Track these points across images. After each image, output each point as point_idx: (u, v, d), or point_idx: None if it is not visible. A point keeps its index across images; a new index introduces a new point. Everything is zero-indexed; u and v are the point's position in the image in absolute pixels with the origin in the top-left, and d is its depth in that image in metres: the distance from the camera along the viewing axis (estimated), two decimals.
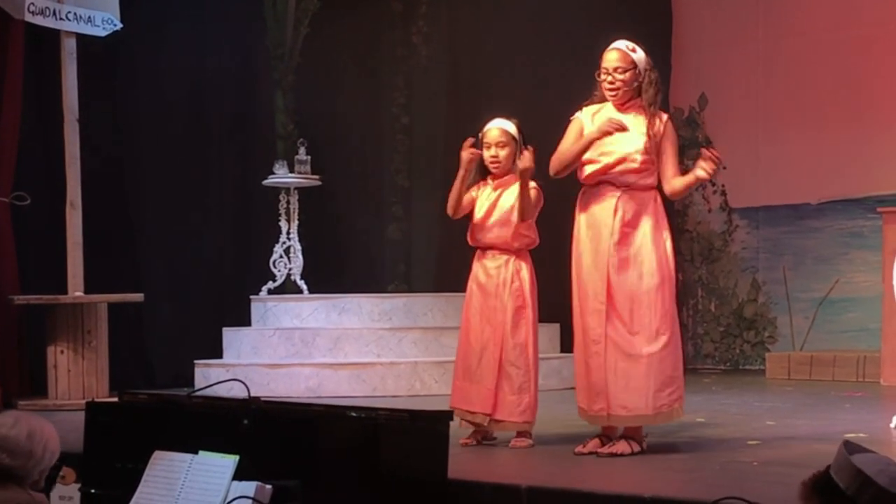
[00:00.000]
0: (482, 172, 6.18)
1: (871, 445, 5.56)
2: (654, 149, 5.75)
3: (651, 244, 5.68)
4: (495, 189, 6.13)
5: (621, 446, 5.62)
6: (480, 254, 6.17)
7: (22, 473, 3.92)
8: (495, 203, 6.10)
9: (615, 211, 5.70)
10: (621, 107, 5.80)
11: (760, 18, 11.40)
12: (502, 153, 6.08)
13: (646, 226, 5.71)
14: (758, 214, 11.44)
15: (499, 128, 6.12)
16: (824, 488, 2.91)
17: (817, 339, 11.00)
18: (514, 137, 6.11)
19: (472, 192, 6.18)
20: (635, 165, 5.72)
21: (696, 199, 11.73)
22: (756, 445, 5.94)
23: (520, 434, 6.05)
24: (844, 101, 10.83)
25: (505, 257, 6.09)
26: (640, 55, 5.81)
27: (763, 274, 11.43)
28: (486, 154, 6.10)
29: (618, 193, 5.73)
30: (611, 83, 5.79)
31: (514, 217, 6.02)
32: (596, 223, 5.74)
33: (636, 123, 5.77)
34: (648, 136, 5.73)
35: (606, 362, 5.63)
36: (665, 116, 5.83)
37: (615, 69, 5.77)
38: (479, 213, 6.13)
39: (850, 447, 2.94)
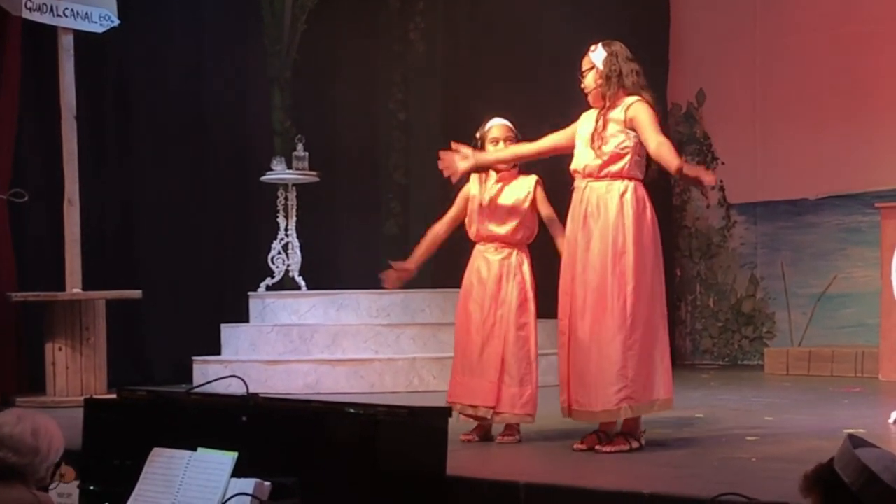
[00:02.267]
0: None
1: (869, 441, 5.56)
2: (602, 139, 5.69)
3: (611, 240, 5.62)
4: (497, 182, 6.18)
5: (619, 443, 5.62)
6: (482, 247, 6.18)
7: (28, 471, 3.91)
8: (498, 196, 6.15)
9: (581, 203, 5.74)
10: (604, 108, 5.75)
11: (758, 14, 11.40)
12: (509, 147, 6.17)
13: (608, 218, 5.64)
14: (756, 210, 11.44)
15: (504, 124, 6.21)
16: (827, 482, 2.90)
17: (815, 334, 11.00)
18: (516, 134, 6.19)
19: (470, 190, 6.22)
20: (594, 157, 5.72)
21: (694, 195, 11.73)
22: (754, 441, 5.94)
23: (508, 428, 6.08)
24: (842, 96, 10.83)
25: (507, 250, 6.16)
26: (597, 54, 5.78)
27: (761, 269, 11.43)
28: (493, 148, 6.15)
29: (583, 184, 5.76)
30: (582, 88, 5.84)
31: (519, 209, 6.11)
32: (573, 217, 5.79)
33: (611, 118, 5.76)
34: (602, 126, 5.71)
35: (568, 355, 5.71)
36: (630, 100, 5.69)
37: (581, 73, 5.84)
38: (486, 210, 6.16)
39: (855, 441, 2.93)
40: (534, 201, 6.14)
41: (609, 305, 5.60)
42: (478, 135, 6.20)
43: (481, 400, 6.03)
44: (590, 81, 5.80)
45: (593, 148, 5.71)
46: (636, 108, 5.66)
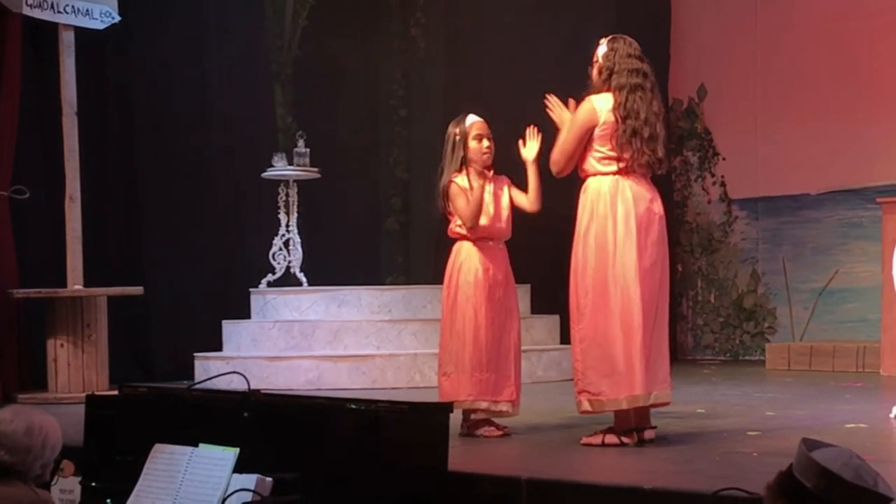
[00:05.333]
0: (460, 164, 6.21)
1: (871, 436, 5.56)
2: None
3: (577, 232, 5.73)
4: (489, 182, 6.22)
5: (593, 436, 5.66)
6: (481, 245, 6.18)
7: (22, 469, 3.92)
8: (499, 197, 6.21)
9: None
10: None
11: (759, 9, 11.40)
12: (491, 144, 6.20)
13: (580, 213, 5.74)
14: (757, 205, 11.44)
15: (484, 121, 6.25)
16: (790, 489, 2.87)
17: (817, 329, 11.01)
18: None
19: (461, 182, 6.18)
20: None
21: (695, 190, 11.73)
22: (756, 436, 5.94)
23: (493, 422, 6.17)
24: (843, 91, 10.82)
25: (501, 248, 6.23)
26: (601, 47, 5.84)
27: (762, 265, 11.44)
28: (481, 146, 6.17)
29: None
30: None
31: (508, 207, 6.21)
32: None
33: None
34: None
35: None
36: (587, 99, 5.79)
37: (591, 64, 5.89)
38: (491, 209, 6.18)
39: (809, 444, 2.90)
40: (511, 198, 6.25)
41: (570, 300, 5.74)
42: (457, 130, 6.20)
43: (506, 395, 6.07)
44: (593, 73, 5.86)
45: None
46: (580, 107, 5.77)
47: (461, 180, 6.16)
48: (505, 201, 6.21)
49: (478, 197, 6.10)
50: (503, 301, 6.15)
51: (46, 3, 8.37)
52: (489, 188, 6.20)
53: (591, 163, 5.74)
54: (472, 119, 6.24)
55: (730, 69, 11.51)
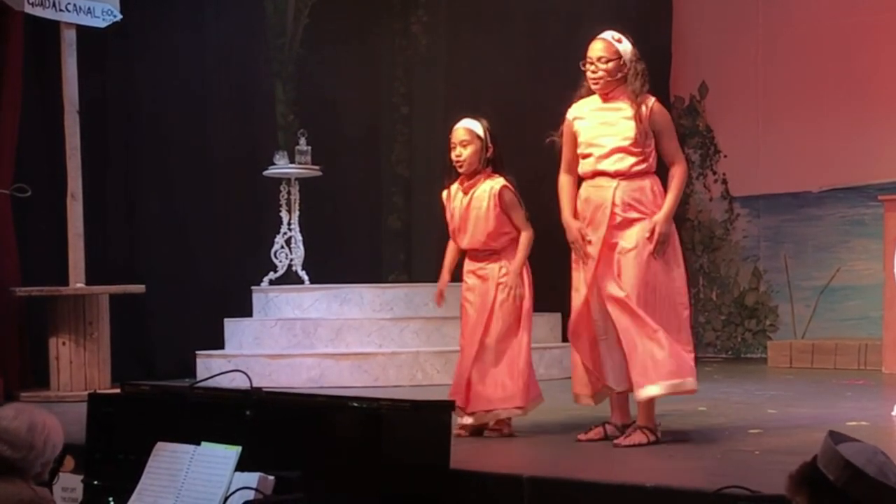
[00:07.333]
0: (455, 173, 6.18)
1: (872, 433, 5.56)
2: (643, 135, 5.72)
3: (635, 235, 5.70)
4: (466, 192, 6.11)
5: (637, 436, 5.61)
6: (467, 256, 6.19)
7: (24, 466, 3.93)
8: (468, 207, 6.09)
9: (612, 200, 5.70)
10: (605, 97, 5.80)
11: (760, 6, 11.39)
12: (465, 152, 6.05)
13: (639, 214, 5.72)
14: (759, 203, 11.44)
15: (463, 127, 6.11)
16: (812, 480, 2.88)
17: (818, 327, 11.00)
18: (478, 136, 6.08)
19: (444, 195, 6.21)
20: (626, 154, 5.72)
21: (697, 188, 11.73)
22: (758, 434, 5.94)
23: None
24: (845, 88, 10.82)
25: (485, 254, 6.11)
26: (625, 46, 5.80)
27: (764, 262, 11.43)
28: (452, 154, 6.12)
29: (614, 183, 5.73)
30: (593, 73, 5.79)
31: (490, 221, 6.04)
32: (594, 213, 5.75)
33: (624, 111, 5.77)
34: (637, 123, 5.71)
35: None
36: (651, 100, 5.77)
37: (598, 59, 5.78)
38: (456, 221, 6.13)
39: (836, 437, 2.92)
40: (498, 208, 6.05)
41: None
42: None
43: (458, 402, 6.05)
44: (611, 69, 5.75)
45: (622, 147, 5.78)
46: (657, 114, 5.79)
47: (445, 193, 6.20)
48: (480, 213, 6.04)
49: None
50: (478, 309, 6.04)
51: (48, 2, 8.37)
52: (463, 200, 6.09)
53: (650, 162, 5.82)
54: (457, 125, 6.15)
55: (731, 66, 11.50)
